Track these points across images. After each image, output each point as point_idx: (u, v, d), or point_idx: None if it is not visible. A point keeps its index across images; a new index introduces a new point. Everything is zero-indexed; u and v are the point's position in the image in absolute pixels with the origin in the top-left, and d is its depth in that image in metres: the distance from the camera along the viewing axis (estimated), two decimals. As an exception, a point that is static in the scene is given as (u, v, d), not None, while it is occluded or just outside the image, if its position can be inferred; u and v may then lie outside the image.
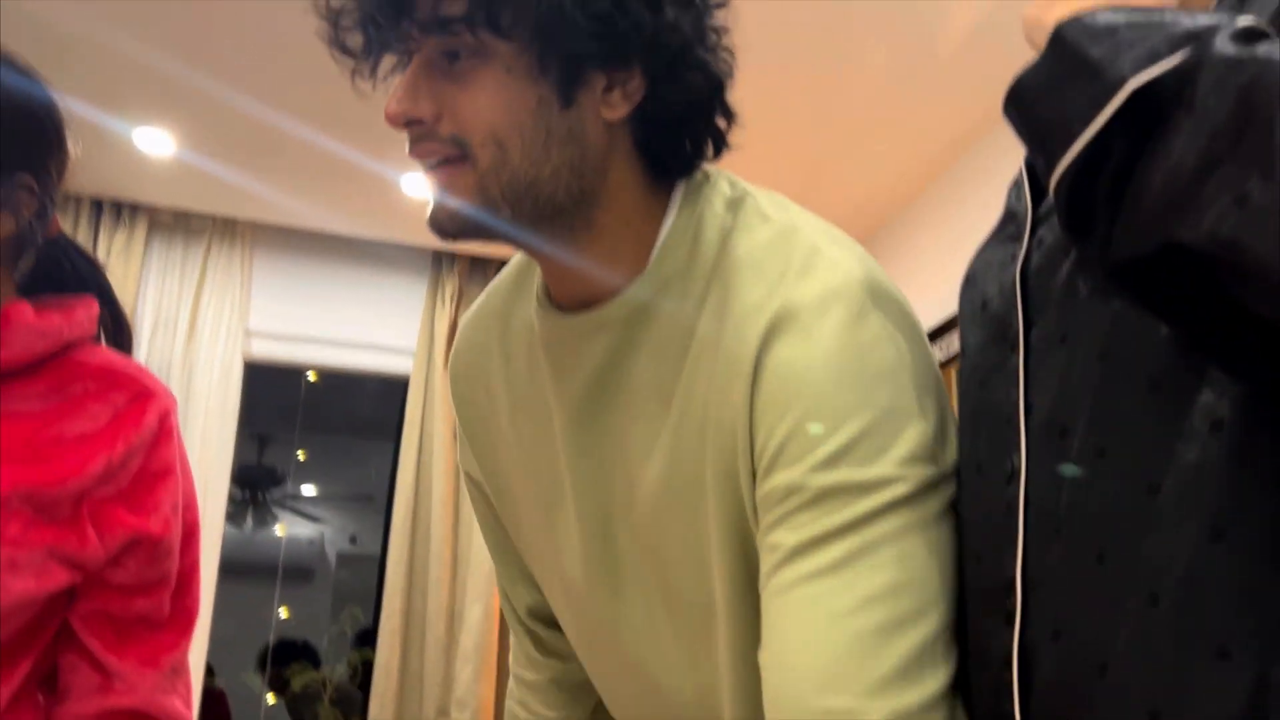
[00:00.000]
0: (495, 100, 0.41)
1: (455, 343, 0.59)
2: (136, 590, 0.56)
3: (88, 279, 0.66)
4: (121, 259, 2.24)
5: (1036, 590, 0.34)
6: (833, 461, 0.38)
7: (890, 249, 2.29)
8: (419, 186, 1.95)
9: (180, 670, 0.60)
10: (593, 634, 0.53)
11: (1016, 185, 0.45)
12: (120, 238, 2.27)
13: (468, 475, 0.61)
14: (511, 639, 0.64)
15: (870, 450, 0.38)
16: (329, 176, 2.07)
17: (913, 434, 0.39)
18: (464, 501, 2.19)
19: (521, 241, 0.45)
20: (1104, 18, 0.30)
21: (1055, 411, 0.35)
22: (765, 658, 0.39)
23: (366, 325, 2.43)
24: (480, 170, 0.42)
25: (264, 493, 3.50)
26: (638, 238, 0.46)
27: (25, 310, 0.55)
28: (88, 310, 0.60)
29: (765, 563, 0.40)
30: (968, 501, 0.41)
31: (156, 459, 0.57)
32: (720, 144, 0.48)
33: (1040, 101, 0.31)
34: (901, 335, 0.42)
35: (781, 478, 0.39)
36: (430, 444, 2.39)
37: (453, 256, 2.47)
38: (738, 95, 0.47)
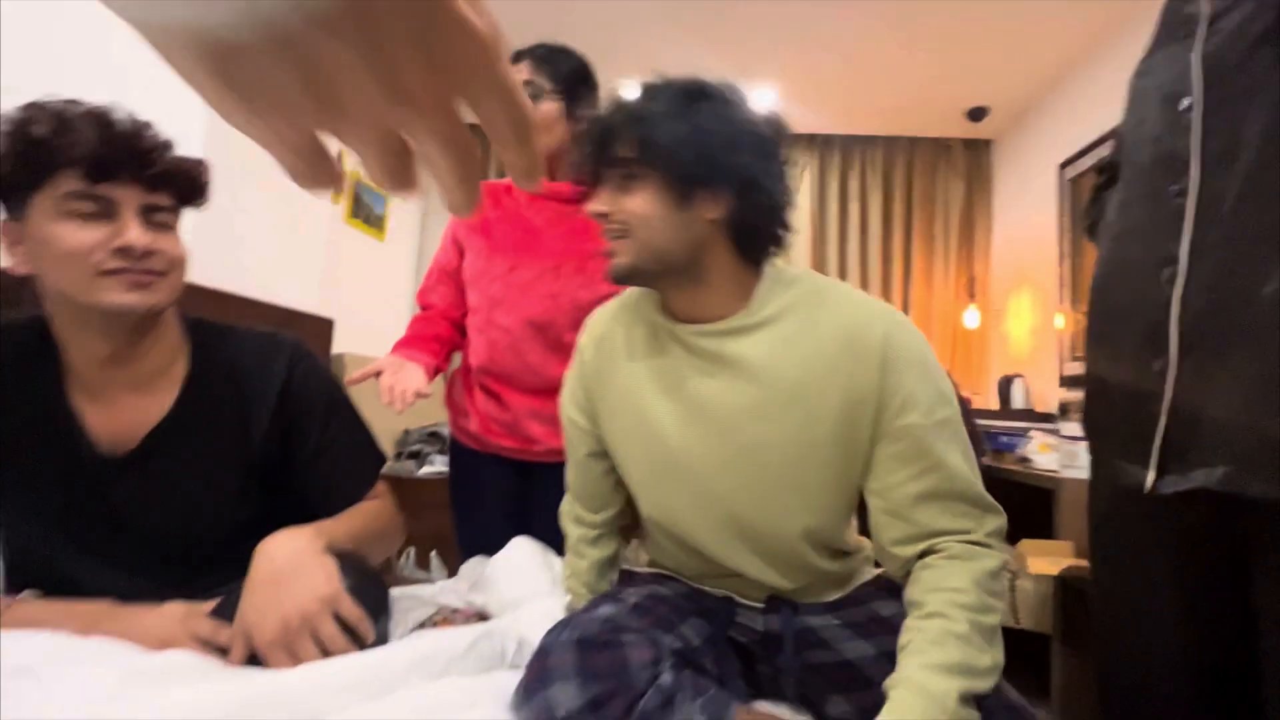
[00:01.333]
0: (646, 203, 0.76)
1: (592, 327, 0.94)
2: None
3: None
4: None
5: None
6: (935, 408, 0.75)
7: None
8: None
9: None
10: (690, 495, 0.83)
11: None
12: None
13: (572, 420, 0.94)
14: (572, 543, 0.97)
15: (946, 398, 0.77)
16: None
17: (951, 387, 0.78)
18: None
19: (659, 283, 0.81)
20: None
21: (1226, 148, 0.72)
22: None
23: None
24: (638, 243, 0.77)
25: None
26: (738, 290, 0.80)
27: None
28: None
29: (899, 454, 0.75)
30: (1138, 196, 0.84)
31: None
32: (780, 245, 0.81)
33: None
34: None
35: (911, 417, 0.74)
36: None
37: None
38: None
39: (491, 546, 1.10)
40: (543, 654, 0.69)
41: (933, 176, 3.63)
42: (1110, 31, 2.47)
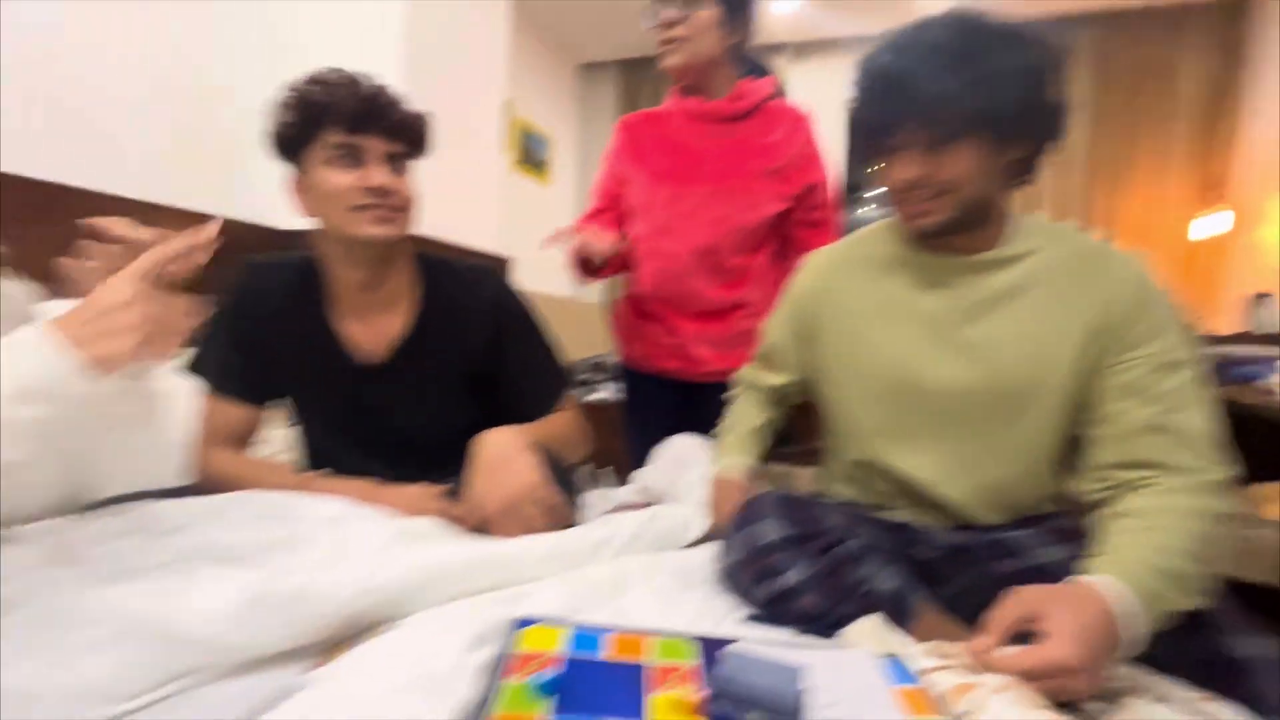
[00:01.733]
0: (970, 158, 0.75)
1: (817, 266, 0.97)
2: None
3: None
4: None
5: None
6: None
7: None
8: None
9: None
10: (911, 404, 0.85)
11: None
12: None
13: (777, 346, 1.01)
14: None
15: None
16: None
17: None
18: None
19: (957, 227, 0.80)
20: None
21: None
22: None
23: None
24: (957, 199, 0.77)
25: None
26: (999, 223, 0.82)
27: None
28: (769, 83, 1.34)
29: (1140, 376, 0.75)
30: None
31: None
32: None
33: None
34: None
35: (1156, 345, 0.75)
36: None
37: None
38: None
39: (659, 459, 1.21)
40: (749, 503, 0.81)
41: (1164, 56, 3.03)
42: None
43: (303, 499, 0.81)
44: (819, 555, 0.73)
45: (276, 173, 0.96)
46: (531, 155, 3.58)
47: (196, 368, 0.97)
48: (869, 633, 0.67)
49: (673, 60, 1.26)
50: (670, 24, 1.24)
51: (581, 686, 0.51)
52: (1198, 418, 0.72)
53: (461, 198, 2.27)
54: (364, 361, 0.98)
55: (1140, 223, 3.08)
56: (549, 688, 0.50)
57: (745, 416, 1.04)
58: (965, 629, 0.72)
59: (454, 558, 0.70)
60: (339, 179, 0.89)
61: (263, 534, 0.70)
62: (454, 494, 0.89)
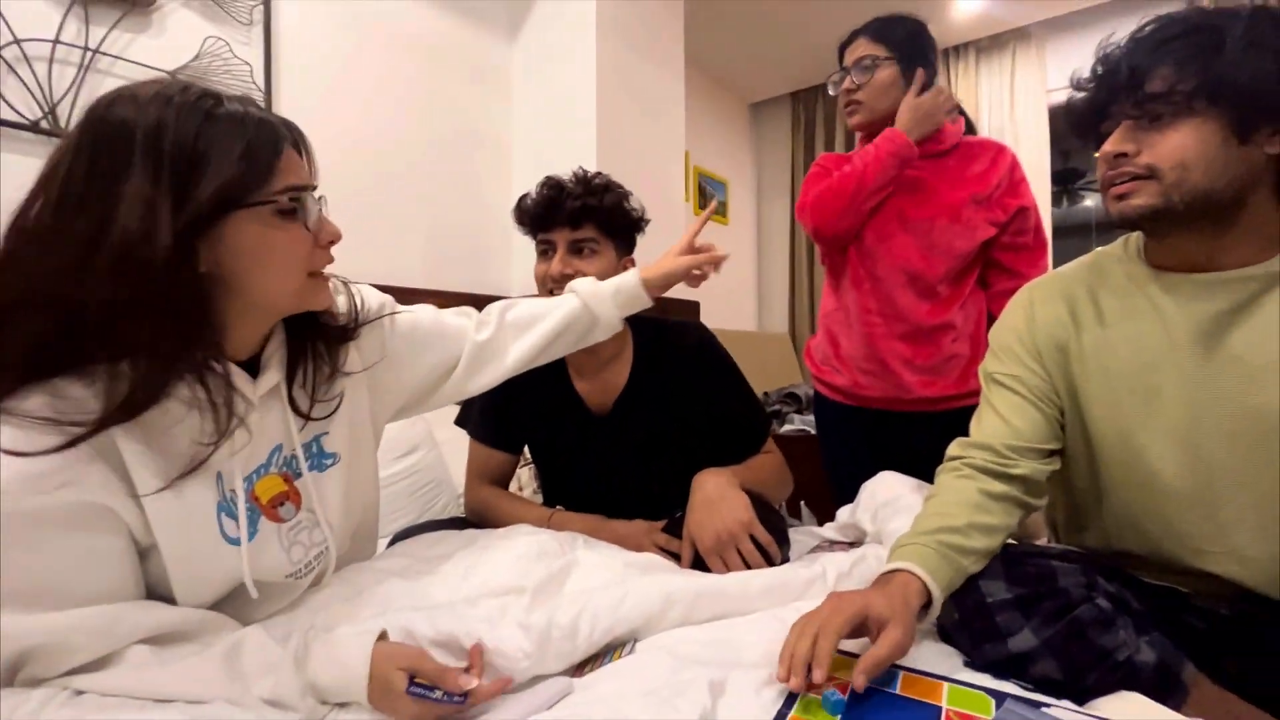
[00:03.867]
0: (1188, 141, 0.67)
1: (1044, 294, 0.88)
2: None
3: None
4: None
5: None
6: None
7: None
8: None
9: None
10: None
11: None
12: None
13: (1017, 377, 0.86)
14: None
15: None
16: None
17: None
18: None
19: (1178, 228, 0.72)
20: None
21: None
22: None
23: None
24: (1167, 185, 0.69)
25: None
26: (1267, 237, 0.70)
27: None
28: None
29: None
30: None
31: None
32: None
33: None
34: None
35: None
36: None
37: None
38: None
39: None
40: None
41: None
42: None
43: (559, 537, 0.96)
44: (1054, 618, 0.65)
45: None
46: (711, 200, 3.75)
47: (463, 419, 1.22)
48: (1134, 710, 0.61)
49: (856, 119, 1.38)
50: (852, 90, 1.35)
51: (874, 714, 0.58)
52: None
53: (657, 250, 2.46)
54: (595, 412, 1.16)
55: None
56: (837, 706, 0.58)
57: (962, 489, 0.80)
58: (1254, 710, 0.63)
59: (684, 590, 0.80)
60: (538, 269, 1.12)
61: (539, 568, 0.85)
62: (670, 529, 1.00)
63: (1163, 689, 0.63)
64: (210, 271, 0.59)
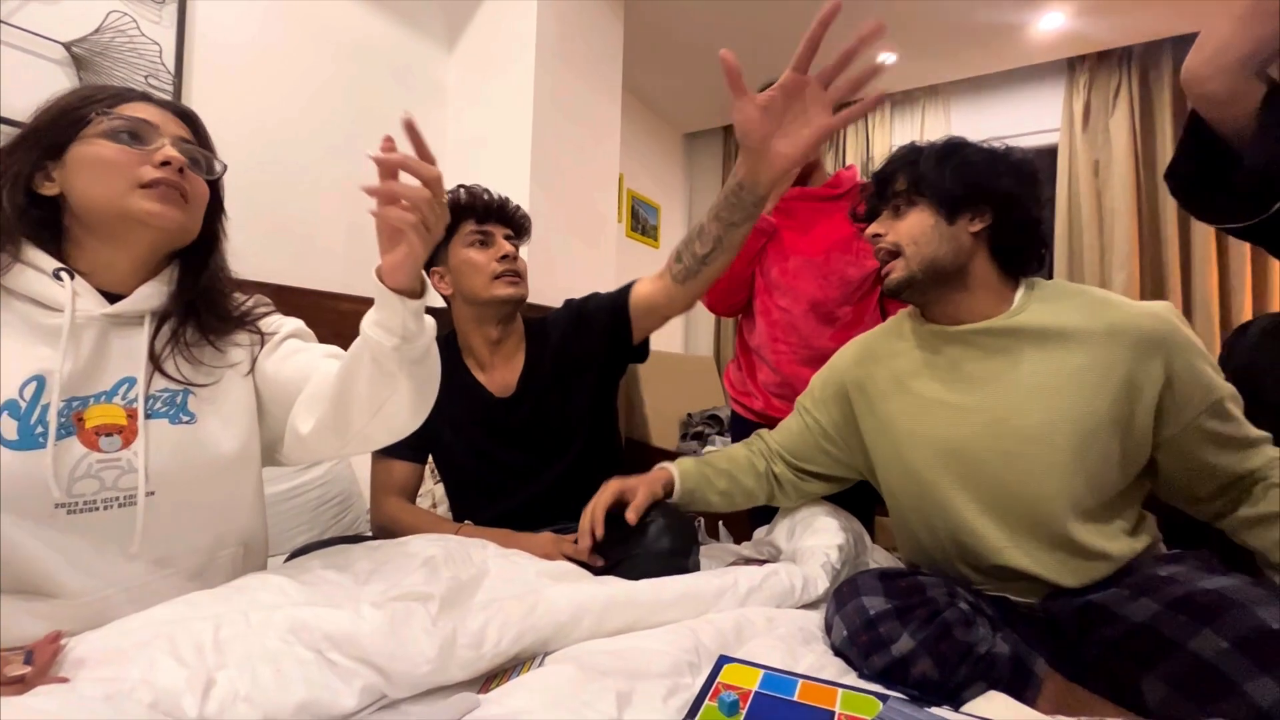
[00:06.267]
0: (914, 223, 0.93)
1: (849, 347, 1.14)
2: None
3: None
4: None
5: None
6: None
7: None
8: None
9: None
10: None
11: None
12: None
13: (810, 414, 1.14)
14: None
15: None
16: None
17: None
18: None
19: (928, 292, 0.95)
20: None
21: None
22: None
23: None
24: (907, 258, 0.93)
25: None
26: (998, 296, 0.93)
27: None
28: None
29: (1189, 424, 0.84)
30: None
31: None
32: (1039, 263, 0.95)
33: None
34: None
35: (1211, 392, 0.83)
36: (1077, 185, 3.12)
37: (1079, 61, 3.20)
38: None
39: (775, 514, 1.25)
40: (850, 581, 0.84)
41: None
42: None
43: (468, 545, 0.94)
44: (926, 622, 0.74)
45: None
46: (643, 222, 3.81)
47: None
48: (999, 709, 0.66)
49: None
50: None
51: (772, 717, 0.61)
52: (1247, 427, 0.85)
53: (586, 266, 2.48)
54: (499, 396, 1.20)
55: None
56: (731, 708, 0.61)
57: (729, 461, 1.15)
58: (1098, 699, 0.71)
59: (595, 598, 0.79)
60: (478, 255, 1.17)
61: (447, 575, 0.82)
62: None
63: (1019, 681, 0.71)
64: (63, 193, 0.71)
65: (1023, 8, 2.79)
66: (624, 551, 0.96)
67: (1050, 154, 3.26)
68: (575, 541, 1.01)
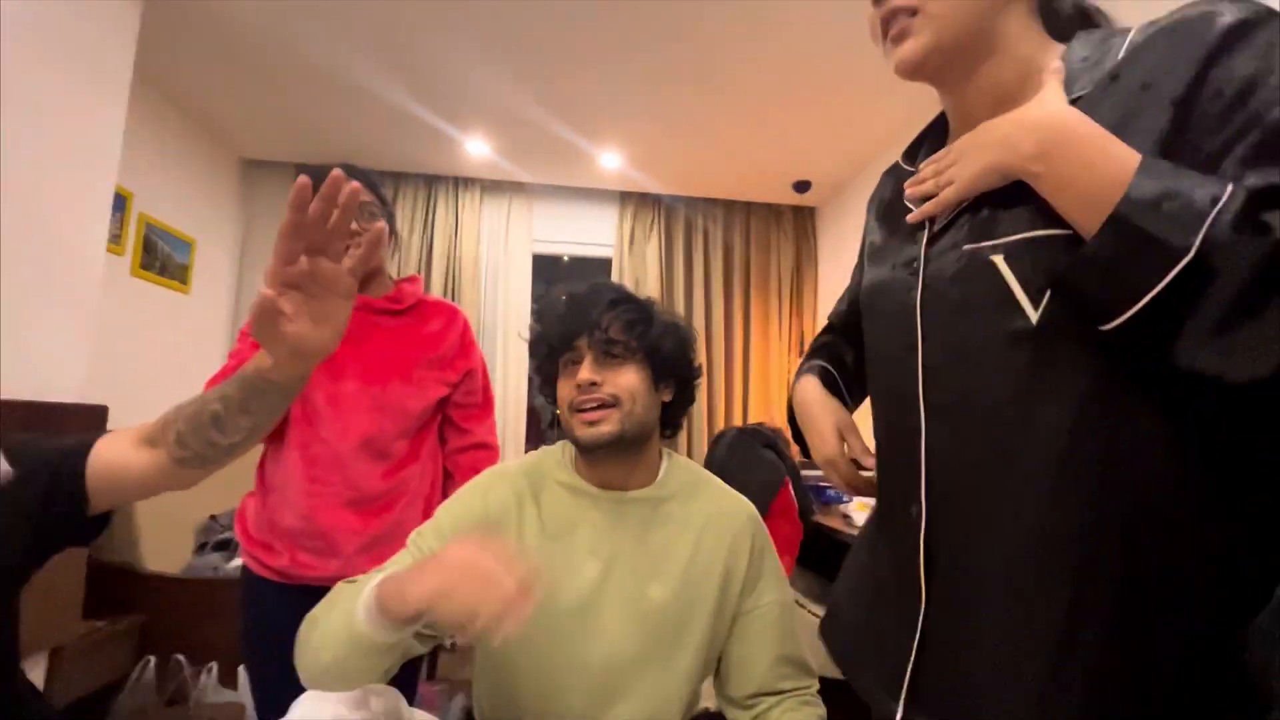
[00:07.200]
0: (634, 379, 0.87)
1: (492, 482, 0.94)
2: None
3: None
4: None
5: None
6: None
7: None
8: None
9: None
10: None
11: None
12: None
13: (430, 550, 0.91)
14: None
15: None
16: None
17: None
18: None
19: (621, 455, 0.89)
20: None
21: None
22: None
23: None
24: (623, 413, 0.86)
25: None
26: (654, 465, 0.95)
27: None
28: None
29: None
30: None
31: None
32: (677, 429, 0.98)
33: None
34: None
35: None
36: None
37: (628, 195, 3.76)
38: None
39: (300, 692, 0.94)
40: None
41: (767, 239, 3.93)
42: (914, 119, 2.84)
43: None
44: None
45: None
46: (164, 258, 2.93)
47: None
48: None
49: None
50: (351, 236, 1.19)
51: None
52: (802, 646, 0.92)
53: (57, 313, 1.69)
54: None
55: (762, 363, 3.82)
56: None
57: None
58: None
59: None
60: None
61: None
62: None
63: None
64: None
65: (592, 141, 3.22)
66: None
67: (607, 265, 3.82)
68: None
